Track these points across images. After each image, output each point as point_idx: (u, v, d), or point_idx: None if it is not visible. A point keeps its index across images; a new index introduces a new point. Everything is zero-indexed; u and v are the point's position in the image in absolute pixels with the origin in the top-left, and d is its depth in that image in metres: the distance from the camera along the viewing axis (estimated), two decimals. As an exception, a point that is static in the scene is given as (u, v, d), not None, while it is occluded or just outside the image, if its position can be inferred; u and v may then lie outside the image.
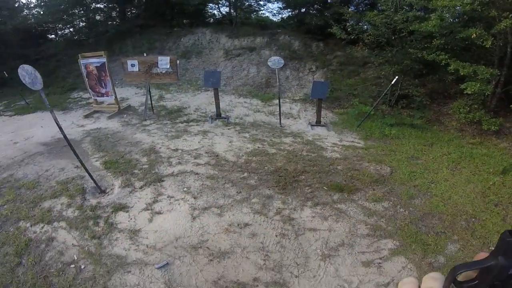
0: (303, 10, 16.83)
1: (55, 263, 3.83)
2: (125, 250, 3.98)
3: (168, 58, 9.23)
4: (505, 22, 6.82)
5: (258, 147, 7.41)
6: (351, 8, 15.18)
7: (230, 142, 7.65)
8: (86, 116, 9.86)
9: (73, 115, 10.33)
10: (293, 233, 4.35)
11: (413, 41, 9.50)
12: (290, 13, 18.17)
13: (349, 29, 10.52)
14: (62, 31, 21.03)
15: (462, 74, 7.80)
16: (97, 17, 20.16)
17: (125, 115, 9.82)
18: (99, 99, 10.20)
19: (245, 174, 5.96)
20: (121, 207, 4.82)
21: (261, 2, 19.19)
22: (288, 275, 3.63)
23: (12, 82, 13.54)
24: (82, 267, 3.74)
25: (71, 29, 20.52)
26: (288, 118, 10.00)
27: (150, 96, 9.47)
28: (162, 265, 3.68)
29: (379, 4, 10.17)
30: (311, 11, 16.32)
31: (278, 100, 9.66)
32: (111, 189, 5.40)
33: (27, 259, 3.87)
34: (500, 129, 8.45)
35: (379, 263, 3.90)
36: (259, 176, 5.92)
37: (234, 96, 11.79)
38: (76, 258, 3.88)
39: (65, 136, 4.88)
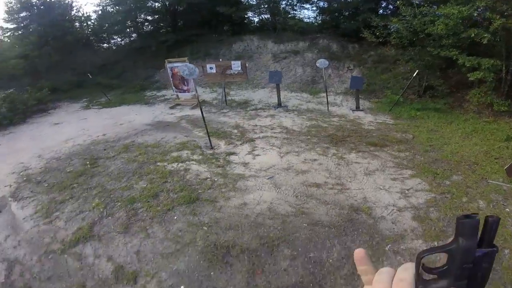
0: (336, 14, 19.30)
1: (194, 180, 6.28)
2: (242, 171, 6.58)
3: (240, 62, 12.02)
4: (497, 22, 9.04)
5: (314, 123, 10.03)
6: (380, 12, 17.59)
7: (293, 120, 10.32)
8: (171, 107, 12.76)
9: (157, 107, 13.23)
10: (345, 163, 6.89)
11: (430, 41, 11.73)
12: (324, 18, 20.64)
13: (377, 33, 12.95)
14: (115, 41, 24.82)
15: (468, 65, 10.04)
16: (146, 29, 23.53)
17: (203, 107, 12.64)
18: (181, 94, 13.11)
19: (308, 137, 8.61)
20: (231, 153, 7.52)
21: (297, 9, 21.99)
22: (345, 181, 6.13)
23: (86, 83, 17.61)
24: (215, 179, 6.30)
25: (123, 39, 24.25)
26: (333, 106, 12.47)
27: (225, 92, 12.17)
28: (270, 177, 6.28)
29: (401, 11, 12.47)
30: (343, 17, 18.79)
31: (325, 93, 12.20)
32: (219, 146, 8.09)
33: (172, 179, 6.28)
34: None
35: (402, 179, 6.29)
36: (318, 138, 8.53)
37: (287, 91, 14.39)
38: (210, 176, 6.45)
39: (201, 110, 7.59)
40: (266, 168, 6.69)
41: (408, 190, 5.88)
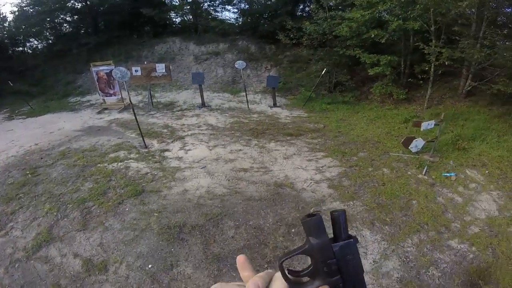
0: (256, 16, 20.39)
1: (136, 175, 6.80)
2: (178, 164, 7.26)
3: (164, 64, 12.53)
4: (394, 24, 10.64)
5: (236, 120, 10.98)
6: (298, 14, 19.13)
7: (217, 118, 11.16)
8: (99, 112, 12.85)
9: (84, 113, 13.17)
10: (266, 151, 7.91)
11: (337, 42, 13.27)
12: (245, 20, 21.50)
13: (291, 36, 14.27)
14: (32, 44, 23.24)
15: (369, 62, 11.64)
16: (65, 30, 22.61)
17: (130, 110, 12.94)
18: (107, 99, 13.28)
19: (232, 132, 9.53)
20: (165, 150, 8.15)
21: (218, 10, 22.79)
22: (268, 165, 7.11)
23: (4, 92, 16.66)
24: (155, 173, 6.90)
25: (41, 42, 22.98)
26: (253, 104, 13.52)
27: (150, 94, 12.60)
28: (203, 167, 7.05)
29: (314, 15, 13.95)
30: (262, 20, 20.04)
31: (245, 92, 13.19)
32: (152, 145, 8.64)
33: (115, 177, 6.73)
34: (411, 98, 12.19)
35: (316, 160, 7.42)
36: (241, 132, 9.50)
37: (210, 91, 15.14)
38: (149, 171, 7.05)
39: (133, 110, 8.08)
40: (198, 160, 7.46)
41: (322, 167, 7.07)
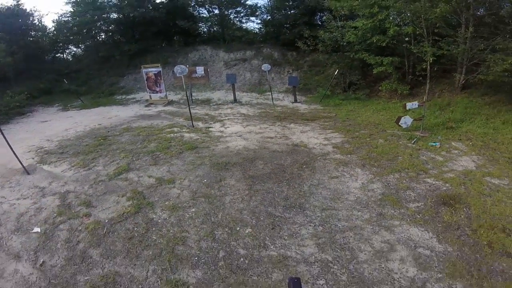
0: (277, 26, 22.89)
1: (190, 140, 9.00)
2: (220, 135, 9.51)
3: (203, 67, 14.97)
4: (392, 30, 12.73)
5: (263, 111, 13.28)
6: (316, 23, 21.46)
7: (247, 110, 13.51)
8: (147, 106, 15.31)
9: (133, 107, 15.64)
10: (287, 128, 10.14)
11: (348, 48, 15.41)
12: (268, 29, 24.18)
13: (308, 43, 16.53)
14: (77, 50, 26.62)
15: (373, 63, 13.74)
16: (103, 39, 25.37)
17: (173, 104, 15.37)
18: (153, 95, 15.74)
19: (260, 118, 11.84)
20: (209, 127, 10.50)
21: (244, 21, 25.56)
22: (288, 135, 9.29)
23: (55, 90, 19.69)
24: (204, 139, 9.08)
25: (86, 49, 26.02)
26: (277, 101, 15.74)
27: (191, 93, 14.96)
28: (239, 135, 9.29)
29: (327, 25, 16.23)
30: (283, 29, 22.42)
31: (270, 91, 15.51)
32: (198, 125, 10.90)
33: (174, 141, 8.90)
34: (414, 93, 14.01)
35: (325, 134, 9.48)
36: (267, 118, 11.81)
37: (239, 92, 17.44)
38: (199, 137, 9.27)
39: (187, 97, 10.45)
40: (235, 133, 9.74)
41: (329, 138, 9.15)
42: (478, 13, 11.65)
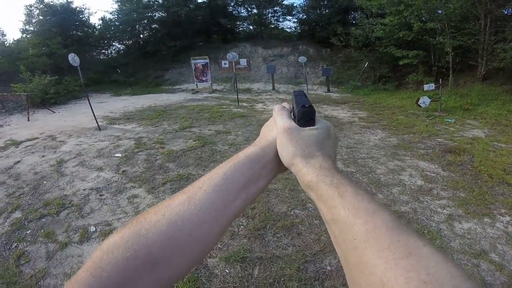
0: (313, 24, 24.60)
1: (238, 112, 10.39)
2: (263, 110, 11.09)
3: (246, 59, 16.71)
4: (416, 26, 14.07)
5: (299, 96, 14.76)
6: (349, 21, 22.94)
7: (285, 96, 15.28)
8: (194, 93, 17.18)
9: (181, 94, 17.43)
10: (320, 108, 11.67)
11: (377, 42, 16.81)
12: (304, 28, 25.88)
13: (341, 39, 18.05)
14: (124, 44, 28.74)
15: (399, 56, 15.08)
16: (145, 36, 27.49)
17: (217, 92, 17.19)
18: (200, 84, 17.65)
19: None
20: (253, 106, 12.19)
21: (281, 20, 27.32)
22: (321, 111, 10.82)
23: (104, 80, 21.63)
24: (249, 112, 10.67)
25: (132, 44, 28.06)
26: (311, 91, 17.26)
27: (236, 80, 16.70)
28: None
29: (358, 22, 17.73)
30: (318, 27, 24.08)
31: (305, 82, 17.13)
32: (243, 105, 12.55)
33: (225, 112, 10.28)
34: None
35: (353, 112, 10.91)
36: (303, 100, 13.26)
37: (276, 83, 19.05)
38: (246, 111, 10.75)
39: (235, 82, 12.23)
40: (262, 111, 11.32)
41: (356, 113, 10.62)
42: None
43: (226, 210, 0.54)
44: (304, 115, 0.61)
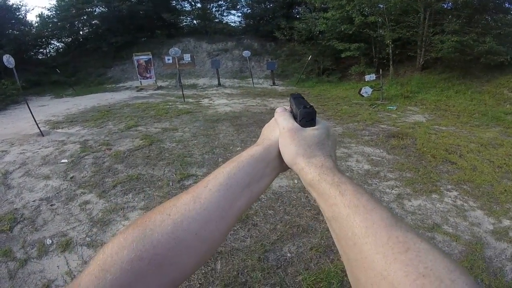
0: (258, 19, 24.60)
1: (184, 109, 10.24)
2: (209, 105, 10.88)
3: (189, 54, 16.32)
4: (358, 20, 14.41)
5: (245, 91, 14.76)
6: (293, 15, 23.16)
7: (231, 91, 15.00)
8: (138, 91, 16.44)
9: (125, 92, 16.54)
10: (266, 100, 11.63)
11: (320, 36, 17.09)
12: (248, 22, 25.91)
13: (285, 33, 18.18)
14: (64, 42, 27.04)
15: (341, 49, 15.42)
16: (83, 32, 26.13)
17: (162, 89, 16.65)
18: (144, 81, 17.00)
19: (243, 95, 13.25)
20: (199, 101, 11.88)
21: (225, 14, 27.17)
22: (267, 104, 10.76)
23: (43, 82, 20.13)
24: (196, 108, 10.33)
25: (72, 42, 26.56)
26: (257, 84, 17.25)
27: (180, 76, 16.22)
28: (225, 105, 10.71)
29: (302, 16, 17.91)
30: (262, 21, 24.11)
31: (251, 76, 17.01)
32: (188, 101, 12.22)
33: (171, 109, 10.02)
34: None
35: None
36: (249, 95, 13.26)
37: (222, 78, 18.69)
38: (192, 107, 10.49)
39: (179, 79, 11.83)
40: (222, 104, 11.17)
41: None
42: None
43: (231, 208, 0.54)
44: (306, 116, 0.64)
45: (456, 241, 3.19)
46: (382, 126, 7.68)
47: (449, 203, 3.90)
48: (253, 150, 0.63)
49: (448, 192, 4.18)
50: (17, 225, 3.97)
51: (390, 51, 14.48)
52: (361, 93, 10.62)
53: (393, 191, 4.26)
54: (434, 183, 4.45)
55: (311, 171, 0.54)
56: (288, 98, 0.78)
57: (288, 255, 3.11)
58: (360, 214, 0.43)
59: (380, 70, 10.98)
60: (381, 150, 5.87)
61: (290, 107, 0.75)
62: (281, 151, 0.62)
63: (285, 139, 0.61)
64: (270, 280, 2.81)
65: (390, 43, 13.99)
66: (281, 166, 0.64)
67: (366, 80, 10.78)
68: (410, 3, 13.43)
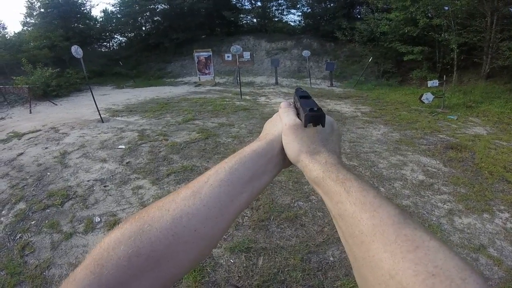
0: (318, 18, 24.44)
1: (241, 105, 10.39)
2: (265, 103, 11.05)
3: (249, 52, 16.69)
4: (422, 22, 14.00)
5: (302, 90, 14.76)
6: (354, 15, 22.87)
7: (288, 90, 15.21)
8: (196, 86, 17.17)
9: (183, 87, 17.42)
10: (323, 102, 11.66)
11: (382, 38, 16.74)
12: (308, 21, 25.66)
13: (346, 34, 18.01)
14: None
15: (404, 51, 15.04)
16: (145, 28, 27.33)
17: (220, 86, 17.18)
18: (202, 77, 17.63)
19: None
20: (256, 99, 12.17)
21: (285, 13, 27.24)
22: (324, 106, 10.80)
23: (106, 73, 21.58)
24: (253, 105, 10.66)
25: (135, 37, 27.86)
26: (314, 85, 17.28)
27: (239, 73, 16.64)
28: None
29: (364, 17, 17.65)
30: (323, 20, 23.92)
31: (309, 76, 17.11)
32: (246, 98, 12.51)
33: (228, 105, 10.24)
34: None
35: (357, 106, 10.89)
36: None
37: (280, 77, 18.99)
38: (249, 104, 10.75)
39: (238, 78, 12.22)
40: (278, 103, 11.21)
41: (359, 108, 10.60)
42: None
43: (231, 204, 0.54)
44: (313, 120, 0.59)
45: (499, 266, 3.08)
46: (441, 136, 7.45)
47: (499, 225, 3.78)
48: (256, 145, 0.63)
49: (500, 213, 4.04)
50: (69, 201, 4.34)
51: (455, 56, 13.91)
52: (422, 99, 10.34)
53: (445, 205, 4.20)
54: (487, 201, 4.31)
55: (315, 168, 0.55)
56: (293, 96, 0.76)
57: (331, 259, 3.15)
58: (367, 212, 0.43)
59: (444, 76, 10.61)
60: (438, 162, 5.74)
61: (294, 102, 0.74)
62: (284, 148, 0.62)
63: (288, 136, 0.61)
64: (309, 282, 2.87)
65: (455, 47, 13.43)
66: (284, 162, 0.64)
67: (429, 86, 10.48)
68: (476, 6, 12.79)
